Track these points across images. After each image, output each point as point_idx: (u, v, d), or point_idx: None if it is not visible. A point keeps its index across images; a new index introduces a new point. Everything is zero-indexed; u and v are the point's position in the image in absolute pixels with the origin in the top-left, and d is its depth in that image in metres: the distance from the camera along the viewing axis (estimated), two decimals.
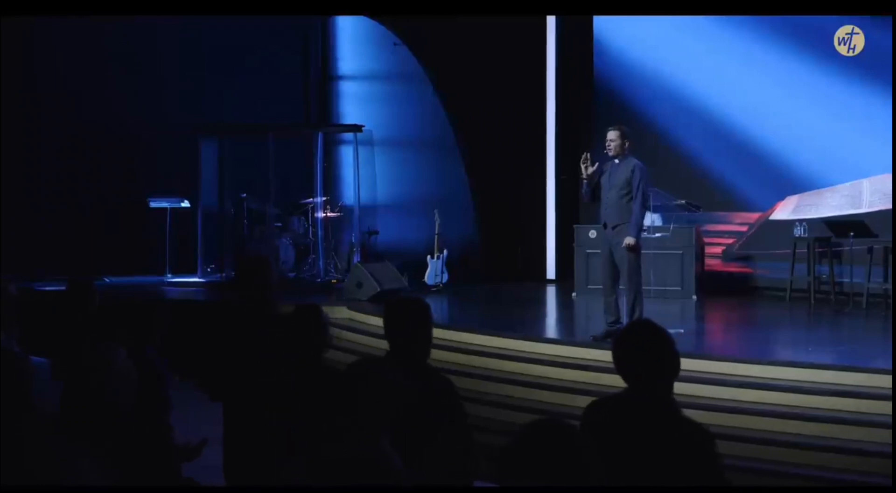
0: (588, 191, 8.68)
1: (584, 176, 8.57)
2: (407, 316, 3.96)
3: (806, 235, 11.76)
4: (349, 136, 15.14)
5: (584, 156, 8.61)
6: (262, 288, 5.09)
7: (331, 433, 2.98)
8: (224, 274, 13.54)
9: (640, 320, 3.47)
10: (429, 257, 12.69)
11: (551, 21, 13.81)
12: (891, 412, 6.59)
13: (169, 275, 13.50)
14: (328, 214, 14.09)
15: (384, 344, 4.05)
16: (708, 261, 12.58)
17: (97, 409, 3.07)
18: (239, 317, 5.17)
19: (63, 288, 6.06)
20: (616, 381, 7.53)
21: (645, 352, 3.28)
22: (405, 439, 3.17)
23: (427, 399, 3.69)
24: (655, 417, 3.23)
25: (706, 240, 12.55)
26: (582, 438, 2.35)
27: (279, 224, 13.95)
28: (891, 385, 6.83)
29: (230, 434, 5.03)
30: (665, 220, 11.55)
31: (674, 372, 3.31)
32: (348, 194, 15.16)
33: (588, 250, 11.99)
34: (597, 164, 8.60)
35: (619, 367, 3.33)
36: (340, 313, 11.00)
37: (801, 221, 11.88)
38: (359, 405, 2.98)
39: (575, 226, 12.56)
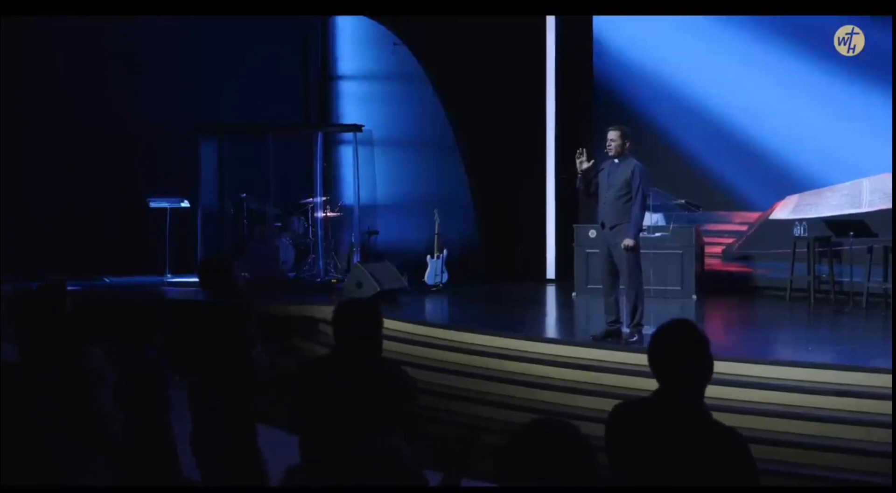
0: (582, 185, 8.64)
1: (580, 171, 8.55)
2: (356, 318, 3.98)
3: (806, 234, 11.75)
4: (349, 136, 15.14)
5: (578, 151, 8.59)
6: (225, 288, 5.10)
7: (354, 430, 2.98)
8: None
9: (680, 319, 3.41)
10: (429, 256, 12.68)
11: (551, 21, 13.80)
12: (891, 412, 6.58)
13: (169, 275, 13.49)
14: (328, 214, 14.09)
15: (386, 344, 4.06)
16: (708, 261, 12.58)
17: (78, 409, 3.07)
18: (205, 316, 5.19)
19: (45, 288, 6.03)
20: (616, 381, 7.52)
21: (681, 352, 3.24)
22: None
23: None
24: (685, 420, 3.19)
25: (706, 240, 12.54)
26: (581, 437, 2.35)
27: (279, 224, 13.95)
28: (891, 385, 6.83)
29: (197, 430, 5.04)
30: (665, 219, 11.55)
31: (707, 375, 3.27)
32: (348, 194, 15.16)
33: (588, 250, 11.98)
34: (592, 160, 8.58)
35: (653, 365, 3.29)
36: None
37: (800, 220, 11.88)
38: (385, 403, 2.99)
39: (575, 226, 12.55)
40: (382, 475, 2.75)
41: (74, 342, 4.12)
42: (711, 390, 7.75)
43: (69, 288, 5.74)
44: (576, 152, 8.59)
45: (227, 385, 4.94)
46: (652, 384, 8.23)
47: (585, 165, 8.49)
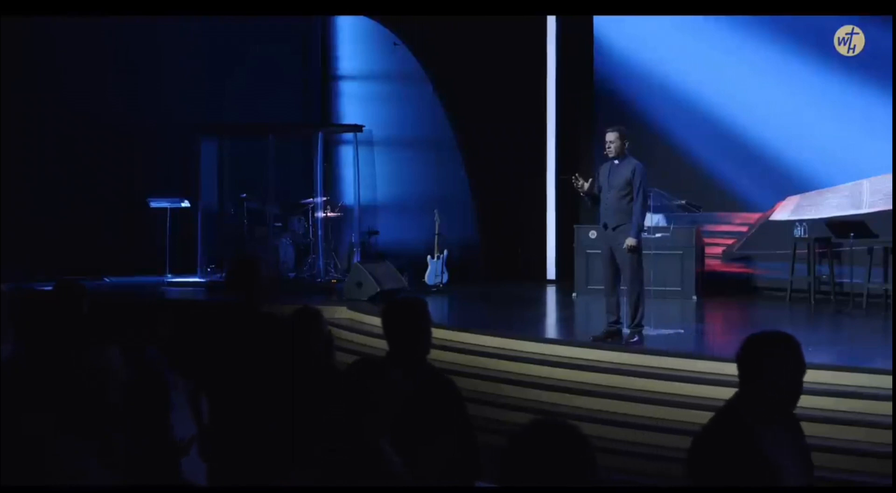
0: (591, 201, 8.72)
1: (582, 194, 8.61)
2: (406, 316, 3.96)
3: (806, 235, 11.74)
4: (349, 136, 15.14)
5: (574, 177, 8.62)
6: (249, 289, 5.12)
7: (333, 433, 2.97)
8: (224, 274, 13.54)
9: (780, 333, 3.36)
10: (429, 257, 12.68)
11: (551, 21, 13.81)
12: (891, 413, 6.58)
13: (169, 275, 13.49)
14: (328, 214, 14.09)
15: (384, 344, 4.05)
16: (708, 261, 12.57)
17: (91, 410, 3.07)
18: (225, 317, 5.20)
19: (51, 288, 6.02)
20: (615, 381, 7.47)
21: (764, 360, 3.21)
22: (405, 439, 3.17)
23: (427, 399, 3.68)
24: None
25: (706, 240, 12.54)
26: (581, 437, 2.34)
27: (279, 224, 13.95)
28: (891, 385, 6.83)
29: (214, 431, 5.05)
30: (666, 220, 11.56)
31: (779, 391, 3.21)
32: (348, 194, 15.16)
33: (588, 251, 11.98)
34: (591, 179, 8.60)
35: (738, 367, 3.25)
36: (340, 313, 11.00)
37: (801, 221, 11.87)
38: (361, 406, 2.98)
39: (575, 226, 12.55)
40: (364, 475, 2.75)
41: (90, 342, 4.12)
42: (711, 391, 7.76)
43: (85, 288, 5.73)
44: (571, 180, 8.63)
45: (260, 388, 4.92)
46: (649, 385, 8.19)
47: (587, 186, 8.53)
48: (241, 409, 4.87)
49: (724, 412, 3.28)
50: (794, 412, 3.40)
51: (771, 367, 3.23)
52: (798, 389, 3.25)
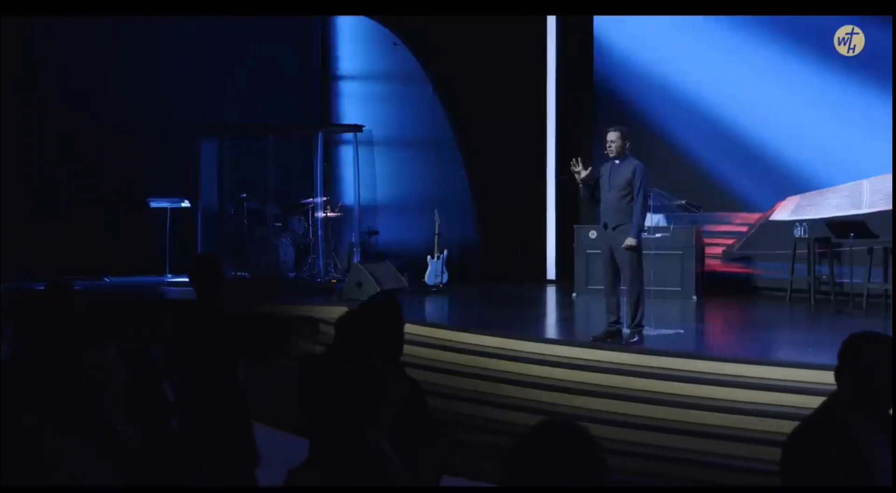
0: (587, 194, 8.67)
1: (579, 181, 8.56)
2: (380, 317, 3.98)
3: (806, 235, 11.74)
4: (349, 136, 15.15)
5: (573, 161, 8.60)
6: (211, 287, 5.17)
7: (333, 433, 2.97)
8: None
9: (877, 334, 3.34)
10: (429, 257, 12.68)
11: (551, 21, 13.81)
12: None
13: (169, 275, 13.49)
14: (328, 214, 14.10)
15: None
16: (708, 261, 12.58)
17: (91, 410, 3.08)
18: (190, 314, 5.26)
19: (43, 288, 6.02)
20: (615, 381, 7.48)
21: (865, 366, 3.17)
22: (404, 439, 3.17)
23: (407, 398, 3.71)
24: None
25: (706, 240, 12.54)
26: (591, 438, 2.34)
27: (279, 224, 13.96)
28: None
29: (181, 427, 5.08)
30: (666, 220, 11.56)
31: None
32: (348, 194, 15.17)
33: (588, 251, 11.99)
34: (590, 168, 8.59)
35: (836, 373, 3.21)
36: (340, 313, 10.97)
37: (801, 221, 11.87)
38: (361, 406, 2.98)
39: (575, 226, 12.56)
40: (365, 475, 2.75)
41: (85, 343, 4.13)
42: (710, 391, 7.75)
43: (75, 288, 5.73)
44: (570, 163, 8.60)
45: (217, 385, 4.96)
46: (649, 385, 8.19)
47: (584, 174, 8.50)
48: (198, 404, 4.91)
49: (821, 412, 3.23)
50: None
51: (864, 366, 3.23)
52: (890, 390, 3.20)
